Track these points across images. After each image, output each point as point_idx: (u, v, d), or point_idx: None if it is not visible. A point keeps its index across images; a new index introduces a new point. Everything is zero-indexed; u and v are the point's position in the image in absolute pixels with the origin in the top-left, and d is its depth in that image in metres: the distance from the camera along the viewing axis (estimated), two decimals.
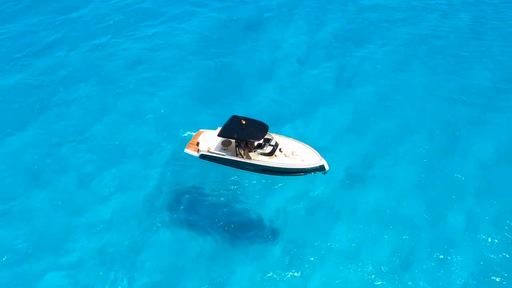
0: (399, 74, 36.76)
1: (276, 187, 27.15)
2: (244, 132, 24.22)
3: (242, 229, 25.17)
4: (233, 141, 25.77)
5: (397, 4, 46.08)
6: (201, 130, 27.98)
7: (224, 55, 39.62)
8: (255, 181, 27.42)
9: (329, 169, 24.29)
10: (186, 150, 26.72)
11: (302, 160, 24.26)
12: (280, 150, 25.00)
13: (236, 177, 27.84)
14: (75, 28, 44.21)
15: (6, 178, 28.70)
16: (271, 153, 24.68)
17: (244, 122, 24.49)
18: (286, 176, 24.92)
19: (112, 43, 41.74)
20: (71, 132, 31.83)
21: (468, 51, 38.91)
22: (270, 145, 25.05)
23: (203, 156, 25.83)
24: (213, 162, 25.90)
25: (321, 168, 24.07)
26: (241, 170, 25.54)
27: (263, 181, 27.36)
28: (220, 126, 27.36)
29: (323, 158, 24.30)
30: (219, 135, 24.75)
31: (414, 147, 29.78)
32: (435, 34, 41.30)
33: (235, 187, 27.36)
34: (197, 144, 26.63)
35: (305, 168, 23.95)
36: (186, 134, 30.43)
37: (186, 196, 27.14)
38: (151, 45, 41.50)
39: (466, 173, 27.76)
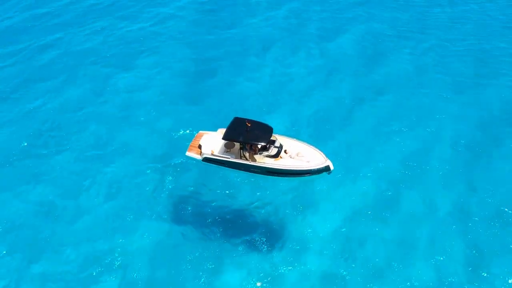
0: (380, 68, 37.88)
1: (275, 187, 27.59)
2: (249, 135, 24.11)
3: (240, 229, 25.82)
4: (236, 143, 25.63)
5: None
6: (201, 131, 27.60)
7: (206, 55, 39.76)
8: (254, 182, 27.72)
9: (333, 169, 24.70)
10: (188, 153, 26.32)
11: (308, 161, 24.47)
12: (285, 151, 25.10)
13: (234, 178, 28.10)
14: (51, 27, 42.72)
15: None
16: (276, 155, 24.74)
17: (248, 125, 24.39)
18: (291, 178, 25.09)
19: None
20: (57, 141, 31.10)
21: None
22: (275, 147, 25.07)
23: (206, 159, 25.55)
24: (217, 165, 25.68)
25: (326, 169, 24.35)
26: (245, 172, 25.51)
27: (262, 182, 27.73)
28: (220, 127, 27.25)
29: (328, 158, 24.66)
30: (224, 138, 24.51)
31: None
32: None
33: (232, 190, 27.84)
34: (199, 146, 26.32)
35: (311, 169, 24.16)
36: (181, 132, 30.93)
37: (186, 198, 27.61)
38: (136, 45, 40.79)
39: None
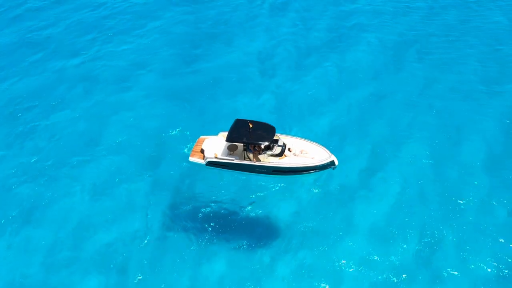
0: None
1: (276, 187, 27.64)
2: (252, 135, 24.11)
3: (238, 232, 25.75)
4: (239, 145, 25.60)
5: None
6: (201, 136, 27.48)
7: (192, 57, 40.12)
8: (255, 182, 27.81)
9: (338, 163, 24.82)
10: (190, 159, 26.16)
11: (313, 158, 24.56)
12: (289, 149, 25.14)
13: (227, 177, 28.19)
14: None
15: None
16: (280, 154, 24.76)
17: (251, 126, 24.39)
18: (296, 175, 25.11)
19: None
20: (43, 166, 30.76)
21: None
22: (278, 146, 25.10)
23: (210, 163, 25.41)
24: (221, 168, 25.57)
25: (331, 164, 24.48)
26: (250, 173, 25.46)
27: (263, 183, 27.78)
28: (221, 131, 27.25)
29: (332, 153, 24.78)
30: (228, 140, 24.45)
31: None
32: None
33: (223, 190, 27.85)
34: (201, 151, 26.19)
35: (316, 165, 24.25)
36: (175, 132, 31.44)
37: (188, 201, 27.49)
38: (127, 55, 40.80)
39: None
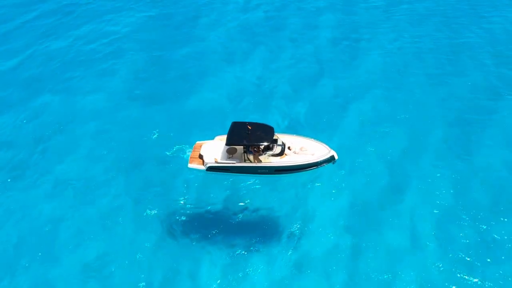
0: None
1: (274, 187, 27.88)
2: (252, 137, 24.13)
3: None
4: (239, 148, 25.54)
5: None
6: (198, 142, 27.20)
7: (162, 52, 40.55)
8: (252, 183, 27.94)
9: (338, 158, 25.21)
10: (190, 165, 25.87)
11: (313, 154, 24.84)
12: (289, 148, 25.32)
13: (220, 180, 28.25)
14: None
15: None
16: (281, 153, 24.91)
17: (249, 127, 24.42)
18: (298, 173, 25.32)
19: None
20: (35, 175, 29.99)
21: None
22: (278, 145, 25.24)
23: (211, 168, 25.24)
24: (222, 172, 25.44)
25: (331, 158, 24.85)
26: (252, 174, 25.48)
27: (258, 184, 28.07)
28: (217, 135, 27.13)
29: (331, 148, 25.15)
30: (228, 143, 24.36)
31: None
32: None
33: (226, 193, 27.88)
34: (200, 157, 25.97)
35: (317, 161, 24.53)
36: (155, 136, 31.60)
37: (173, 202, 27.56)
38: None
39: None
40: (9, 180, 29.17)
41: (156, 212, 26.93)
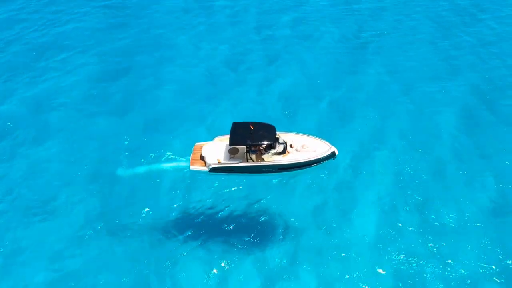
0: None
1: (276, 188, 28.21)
2: (255, 136, 24.30)
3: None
4: (240, 147, 25.62)
5: None
6: (197, 143, 27.06)
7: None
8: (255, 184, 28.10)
9: (338, 153, 25.77)
10: (192, 168, 25.73)
11: (315, 151, 25.28)
12: (290, 146, 25.64)
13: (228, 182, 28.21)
14: None
15: None
16: (284, 151, 25.19)
17: (252, 127, 24.57)
18: (301, 170, 25.70)
19: None
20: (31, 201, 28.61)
21: None
22: (280, 143, 25.50)
23: (214, 169, 25.21)
24: (225, 173, 25.45)
25: (332, 155, 25.38)
26: (255, 174, 25.64)
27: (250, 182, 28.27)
28: (217, 135, 27.11)
29: (332, 144, 25.67)
30: (231, 144, 24.41)
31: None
32: None
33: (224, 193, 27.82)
34: (201, 158, 25.87)
35: (320, 158, 25.00)
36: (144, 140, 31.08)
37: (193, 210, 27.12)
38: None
39: None
40: None
41: (146, 219, 26.53)
